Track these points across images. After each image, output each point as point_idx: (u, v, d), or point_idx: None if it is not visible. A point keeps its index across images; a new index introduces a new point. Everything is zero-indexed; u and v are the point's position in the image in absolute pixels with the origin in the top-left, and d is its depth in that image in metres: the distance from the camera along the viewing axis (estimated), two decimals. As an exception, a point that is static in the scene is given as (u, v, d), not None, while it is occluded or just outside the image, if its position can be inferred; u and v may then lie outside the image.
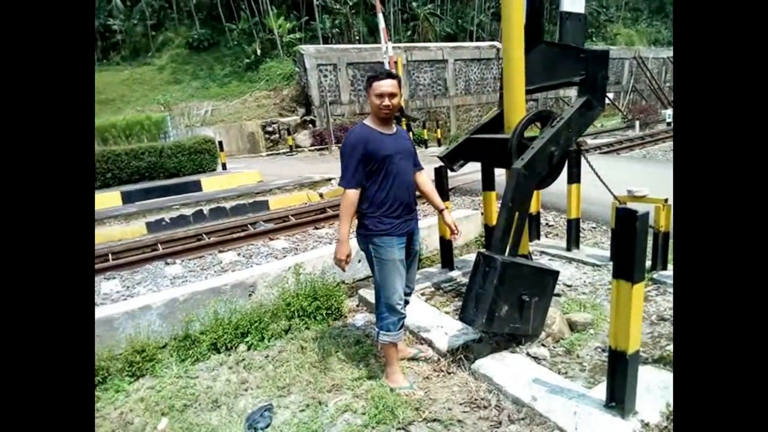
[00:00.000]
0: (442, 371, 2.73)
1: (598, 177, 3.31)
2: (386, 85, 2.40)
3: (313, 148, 17.27)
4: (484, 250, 2.75)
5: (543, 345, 2.83)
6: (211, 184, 10.32)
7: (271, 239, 5.69)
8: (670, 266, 3.70)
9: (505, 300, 2.55)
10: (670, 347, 2.55)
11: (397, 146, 2.50)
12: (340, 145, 17.21)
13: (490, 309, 2.49)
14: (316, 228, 6.24)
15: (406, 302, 2.67)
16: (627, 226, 1.89)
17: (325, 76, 18.10)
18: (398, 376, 2.60)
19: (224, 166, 12.54)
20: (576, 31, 3.11)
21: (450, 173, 3.87)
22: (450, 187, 7.75)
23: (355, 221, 2.54)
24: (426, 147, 16.61)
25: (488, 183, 3.98)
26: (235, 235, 5.73)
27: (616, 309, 2.01)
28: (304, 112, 18.58)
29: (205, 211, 7.24)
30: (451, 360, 2.80)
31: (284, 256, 4.96)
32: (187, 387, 2.76)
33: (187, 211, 7.13)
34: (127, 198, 9.24)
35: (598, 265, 3.98)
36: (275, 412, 2.48)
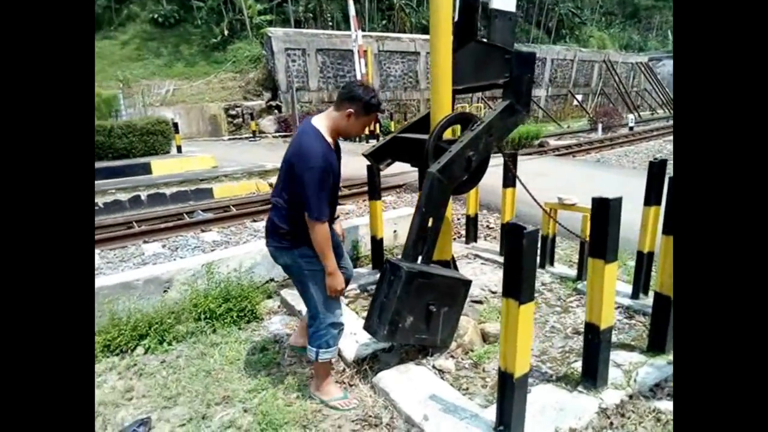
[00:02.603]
0: (344, 383, 2.59)
1: (523, 186, 3.21)
2: (375, 120, 2.22)
3: (277, 134, 16.87)
4: (393, 257, 2.62)
5: (452, 356, 2.73)
6: (161, 167, 9.86)
7: (202, 231, 5.41)
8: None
9: (411, 310, 2.42)
10: (577, 365, 2.47)
11: (339, 157, 2.31)
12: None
13: (392, 320, 2.35)
14: (254, 221, 5.99)
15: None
16: (514, 242, 1.77)
17: (294, 60, 17.67)
18: (331, 388, 2.42)
19: (179, 149, 12.05)
20: (505, 30, 2.97)
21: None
22: (396, 184, 7.62)
23: (261, 232, 2.36)
24: (392, 139, 16.44)
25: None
26: (163, 225, 5.43)
27: (505, 329, 1.90)
28: (270, 96, 18.12)
29: (143, 197, 6.88)
30: (356, 371, 2.66)
31: (212, 250, 4.72)
32: (65, 394, 2.53)
33: (123, 196, 6.74)
34: (68, 178, 8.73)
35: (527, 272, 3.90)
36: (153, 426, 2.28)
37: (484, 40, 3.09)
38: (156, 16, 22.97)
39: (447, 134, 3.03)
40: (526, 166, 8.88)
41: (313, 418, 2.29)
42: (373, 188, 3.82)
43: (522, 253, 1.75)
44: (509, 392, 1.93)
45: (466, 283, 2.63)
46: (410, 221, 2.58)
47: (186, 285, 3.65)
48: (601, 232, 2.11)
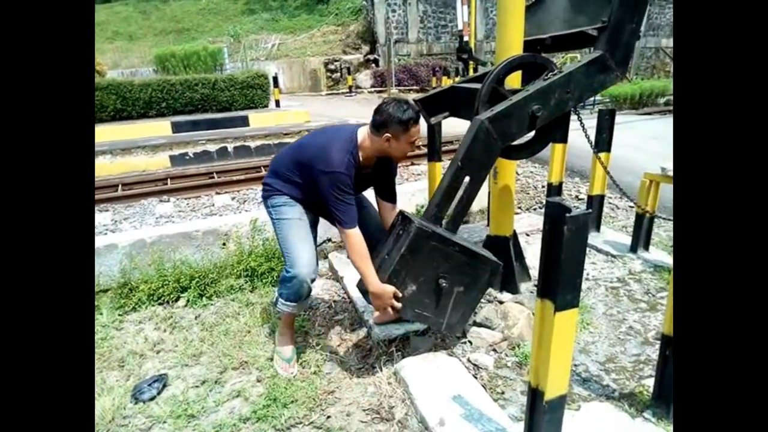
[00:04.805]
0: (368, 364, 2.35)
1: (604, 168, 2.58)
2: (419, 130, 2.03)
3: (372, 89, 16.64)
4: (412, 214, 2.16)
5: (494, 350, 2.33)
6: (258, 120, 10.23)
7: (271, 185, 5.40)
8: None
9: (415, 277, 1.98)
10: (651, 381, 1.95)
11: (365, 183, 2.21)
12: (398, 89, 15.97)
13: (389, 280, 1.95)
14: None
15: None
16: (553, 229, 1.31)
17: (393, 10, 17.04)
18: (285, 340, 2.33)
19: (278, 103, 12.38)
20: None
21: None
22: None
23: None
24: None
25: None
26: (236, 178, 5.54)
27: (538, 337, 1.47)
28: (368, 50, 17.82)
29: (229, 149, 7.13)
30: (383, 351, 2.39)
31: (276, 205, 4.68)
32: (104, 339, 2.62)
33: (212, 147, 7.05)
34: (176, 128, 9.42)
35: (613, 255, 3.27)
36: (169, 384, 2.25)
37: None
38: (267, -31, 23.48)
39: (514, 84, 2.51)
40: (641, 126, 7.65)
41: (322, 401, 2.09)
42: (433, 148, 3.39)
43: (561, 245, 1.28)
44: (539, 415, 1.53)
45: (494, 266, 2.09)
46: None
47: (241, 240, 3.65)
48: (696, 220, 1.53)
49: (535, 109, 2.11)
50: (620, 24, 2.15)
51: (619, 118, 9.08)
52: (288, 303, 2.20)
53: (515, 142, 2.24)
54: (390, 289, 1.94)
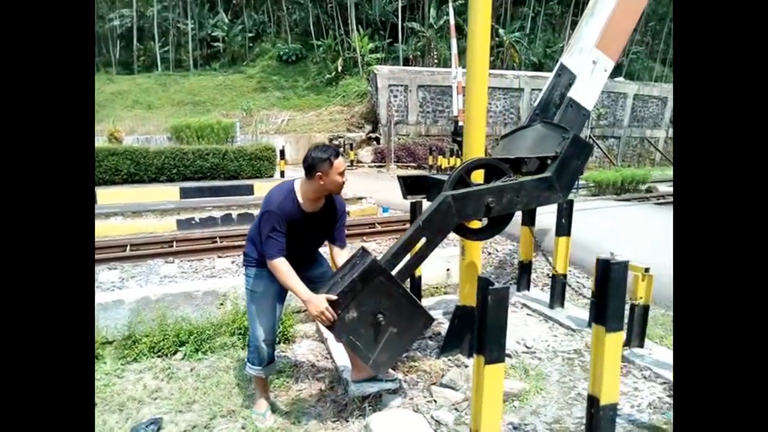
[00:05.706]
0: (342, 418, 2.62)
1: (547, 259, 3.02)
2: (344, 162, 2.41)
3: (373, 164, 17.56)
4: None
5: (456, 409, 2.62)
6: (263, 189, 10.81)
7: (269, 252, 5.82)
8: (649, 342, 3.26)
9: (358, 305, 2.23)
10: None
11: (315, 226, 2.48)
12: (401, 161, 16.55)
13: (336, 300, 2.20)
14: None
15: None
16: (483, 298, 1.71)
17: (395, 96, 18.41)
18: (259, 401, 2.62)
19: (282, 174, 13.09)
20: (574, 121, 2.94)
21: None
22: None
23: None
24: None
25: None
26: (237, 243, 5.96)
27: (475, 388, 1.81)
28: (370, 129, 19.01)
29: (233, 215, 7.62)
30: (356, 406, 2.67)
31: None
32: (107, 386, 2.90)
33: (217, 214, 7.55)
34: (184, 194, 10.00)
35: (573, 329, 3.60)
36: (163, 427, 2.52)
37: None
38: (281, 53, 25.59)
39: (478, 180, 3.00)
40: (616, 212, 8.19)
41: (298, 448, 2.35)
42: (414, 226, 3.84)
43: (487, 311, 1.68)
44: (476, 456, 1.82)
45: (428, 319, 2.42)
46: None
47: (237, 301, 3.99)
48: (603, 296, 1.93)
49: (490, 201, 2.58)
50: (568, 158, 2.68)
51: (598, 203, 9.70)
52: (253, 367, 2.55)
53: (472, 226, 2.70)
54: (321, 295, 2.22)
